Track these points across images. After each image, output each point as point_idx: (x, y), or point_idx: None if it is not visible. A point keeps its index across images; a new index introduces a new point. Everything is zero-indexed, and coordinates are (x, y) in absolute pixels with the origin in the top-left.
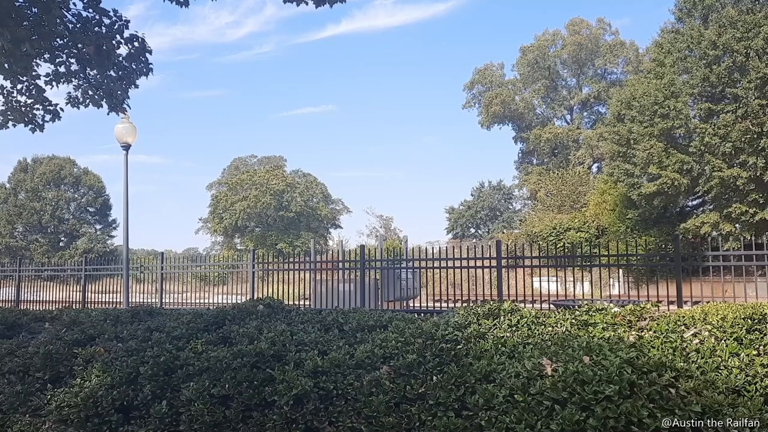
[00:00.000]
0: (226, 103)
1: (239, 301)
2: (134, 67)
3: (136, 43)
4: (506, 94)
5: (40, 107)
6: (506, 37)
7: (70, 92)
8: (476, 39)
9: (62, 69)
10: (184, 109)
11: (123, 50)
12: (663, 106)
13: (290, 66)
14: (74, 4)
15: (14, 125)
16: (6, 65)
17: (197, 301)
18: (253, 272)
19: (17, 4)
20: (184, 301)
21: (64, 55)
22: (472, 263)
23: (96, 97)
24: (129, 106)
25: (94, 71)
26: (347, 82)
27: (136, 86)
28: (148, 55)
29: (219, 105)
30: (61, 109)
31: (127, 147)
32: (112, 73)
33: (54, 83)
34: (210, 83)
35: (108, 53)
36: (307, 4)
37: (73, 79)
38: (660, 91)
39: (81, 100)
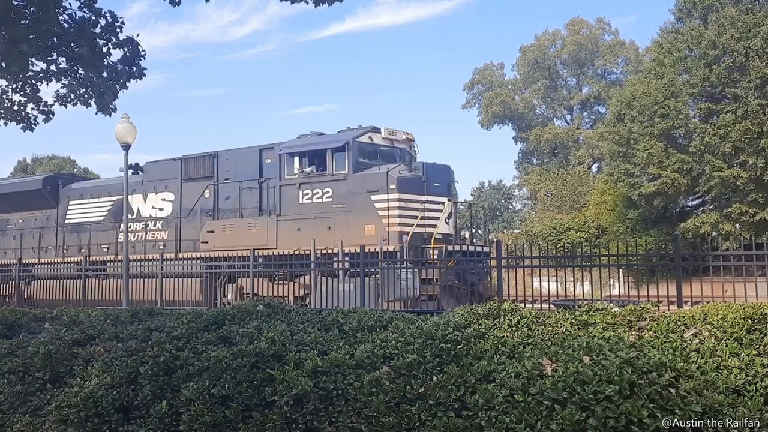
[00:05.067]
0: (228, 102)
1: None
2: (126, 69)
3: (130, 46)
4: (506, 94)
5: (34, 106)
6: (506, 37)
7: (58, 90)
8: (476, 39)
9: (53, 67)
10: (186, 108)
11: (118, 52)
12: (663, 106)
13: (293, 64)
14: (69, 4)
15: (5, 124)
16: (3, 64)
17: None
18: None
19: (15, 3)
20: None
21: (55, 53)
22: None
23: (85, 95)
24: (115, 108)
25: (85, 70)
26: (349, 81)
27: (126, 88)
28: (141, 59)
29: (220, 104)
30: (52, 110)
31: (127, 147)
32: (104, 74)
33: (44, 80)
34: (212, 82)
35: (101, 54)
36: (307, 3)
37: (63, 78)
38: (660, 91)
39: (70, 98)
